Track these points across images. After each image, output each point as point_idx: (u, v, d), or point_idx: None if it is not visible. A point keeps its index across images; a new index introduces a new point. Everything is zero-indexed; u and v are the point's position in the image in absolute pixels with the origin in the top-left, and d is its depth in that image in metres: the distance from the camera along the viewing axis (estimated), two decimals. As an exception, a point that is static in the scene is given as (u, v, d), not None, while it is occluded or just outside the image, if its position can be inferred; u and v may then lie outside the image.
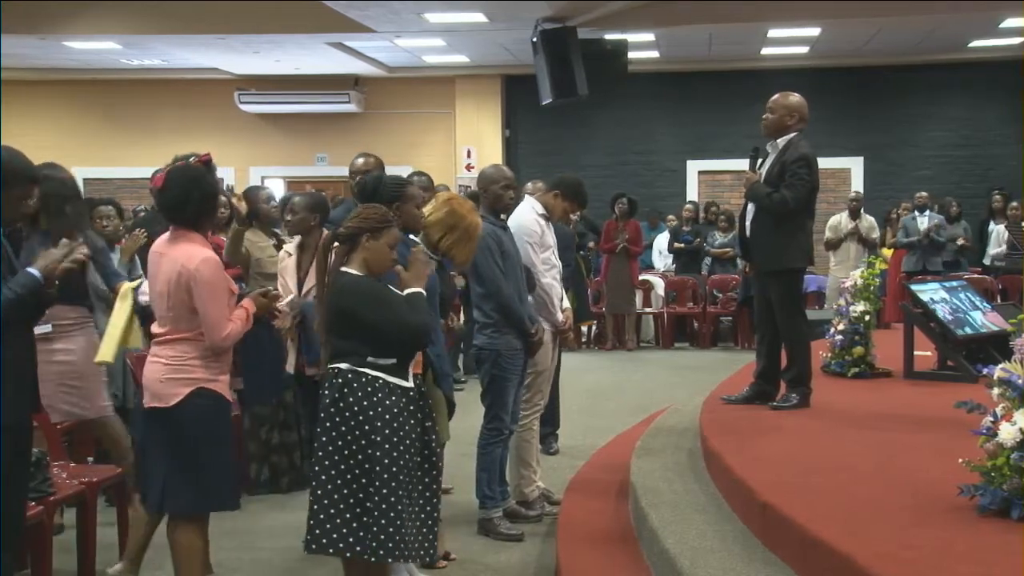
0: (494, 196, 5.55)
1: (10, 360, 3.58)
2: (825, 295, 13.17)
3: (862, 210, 13.23)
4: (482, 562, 5.11)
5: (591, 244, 13.06)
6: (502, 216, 5.65)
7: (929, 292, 6.74)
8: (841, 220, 13.16)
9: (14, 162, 3.62)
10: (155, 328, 4.14)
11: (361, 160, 6.19)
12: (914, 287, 6.91)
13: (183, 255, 4.00)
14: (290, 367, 5.86)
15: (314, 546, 3.83)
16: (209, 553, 4.46)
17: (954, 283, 7.11)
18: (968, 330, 6.53)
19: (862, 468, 4.39)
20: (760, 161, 5.79)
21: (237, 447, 6.35)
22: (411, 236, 4.71)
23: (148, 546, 4.73)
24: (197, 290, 3.97)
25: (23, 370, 3.69)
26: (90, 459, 5.73)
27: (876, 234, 13.22)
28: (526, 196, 6.30)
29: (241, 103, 16.27)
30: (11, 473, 3.64)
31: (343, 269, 3.94)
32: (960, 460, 3.59)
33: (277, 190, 11.66)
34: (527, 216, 5.86)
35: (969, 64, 15.51)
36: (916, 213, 13.21)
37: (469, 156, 16.32)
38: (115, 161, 16.71)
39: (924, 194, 13.49)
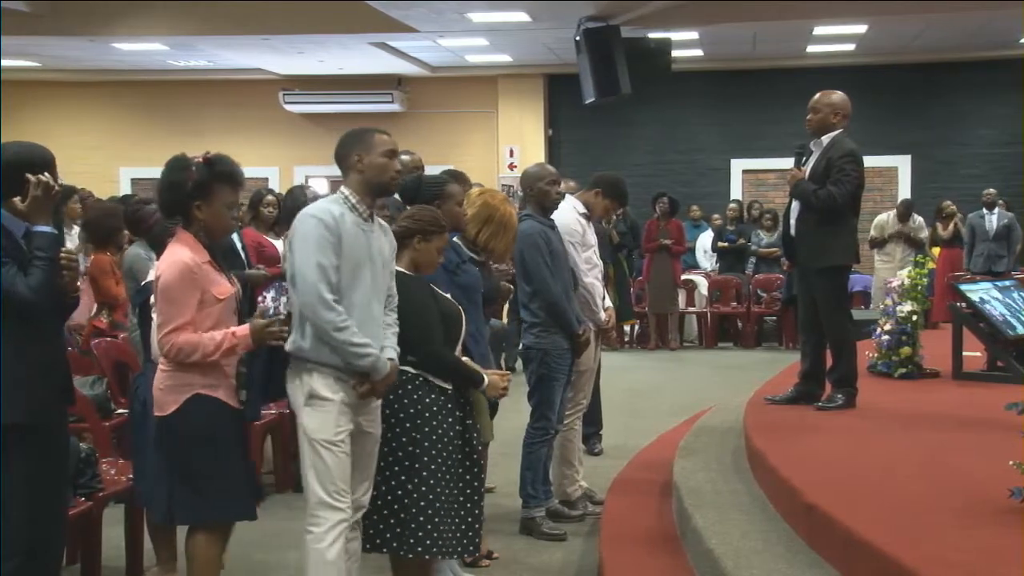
0: (541, 193, 5.50)
1: (39, 359, 3.58)
2: (871, 295, 13.00)
3: (913, 213, 13.02)
4: (525, 562, 5.12)
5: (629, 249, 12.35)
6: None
7: (980, 292, 6.63)
8: (888, 219, 12.99)
9: (32, 151, 3.67)
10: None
11: (407, 158, 6.25)
12: (963, 287, 6.81)
13: (163, 260, 3.86)
14: None
15: None
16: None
17: (1006, 282, 7.01)
18: (1020, 330, 6.42)
19: (909, 469, 4.35)
20: (804, 159, 5.75)
21: (283, 450, 6.41)
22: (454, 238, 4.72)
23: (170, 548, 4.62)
24: (156, 294, 3.79)
25: (53, 367, 3.68)
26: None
27: (924, 234, 13.02)
28: (566, 195, 6.29)
29: (285, 103, 16.38)
30: (39, 474, 3.61)
31: (394, 267, 3.98)
32: (1011, 462, 3.53)
33: (321, 189, 11.76)
34: (568, 215, 5.82)
35: (1018, 61, 15.25)
36: (985, 211, 12.95)
37: (512, 155, 16.30)
38: (162, 161, 16.67)
39: (992, 191, 13.10)
